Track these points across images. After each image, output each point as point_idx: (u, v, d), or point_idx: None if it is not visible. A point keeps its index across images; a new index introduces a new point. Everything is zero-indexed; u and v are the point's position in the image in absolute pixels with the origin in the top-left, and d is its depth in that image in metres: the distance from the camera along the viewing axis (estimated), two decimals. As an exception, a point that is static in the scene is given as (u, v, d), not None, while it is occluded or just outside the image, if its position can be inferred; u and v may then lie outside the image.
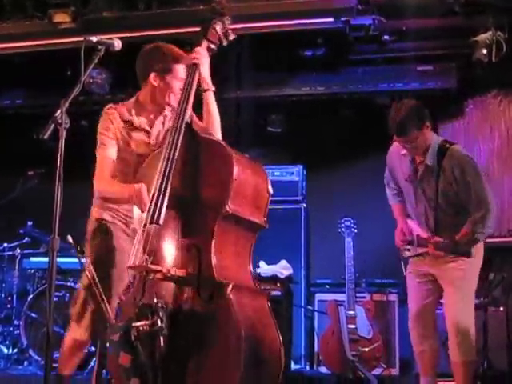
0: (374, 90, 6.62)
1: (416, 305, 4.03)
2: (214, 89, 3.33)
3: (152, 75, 3.34)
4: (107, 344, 2.98)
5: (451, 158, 3.87)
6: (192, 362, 2.83)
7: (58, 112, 2.86)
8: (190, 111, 3.21)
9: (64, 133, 2.83)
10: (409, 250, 4.04)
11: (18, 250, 6.32)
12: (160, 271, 2.90)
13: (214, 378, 2.81)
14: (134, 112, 3.40)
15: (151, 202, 2.97)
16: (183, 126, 3.11)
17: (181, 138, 3.07)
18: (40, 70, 6.37)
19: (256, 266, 5.47)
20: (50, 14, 5.67)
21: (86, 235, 3.49)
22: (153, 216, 2.94)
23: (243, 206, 3.01)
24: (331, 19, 5.58)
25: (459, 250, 3.81)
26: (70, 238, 2.87)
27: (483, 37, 5.55)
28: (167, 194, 2.97)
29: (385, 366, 5.48)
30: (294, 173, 6.57)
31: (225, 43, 3.40)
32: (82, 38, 2.99)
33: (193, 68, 3.26)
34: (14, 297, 6.27)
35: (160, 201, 2.95)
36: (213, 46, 3.37)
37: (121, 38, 3.12)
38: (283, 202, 6.38)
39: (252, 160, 3.16)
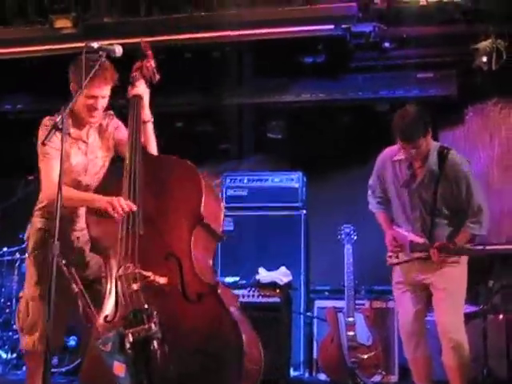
0: (374, 97, 6.61)
1: (406, 313, 4.03)
2: (152, 120, 3.47)
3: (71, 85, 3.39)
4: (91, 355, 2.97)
5: (453, 163, 3.95)
6: (188, 361, 2.87)
7: (59, 117, 2.87)
8: (143, 139, 3.36)
9: (65, 138, 2.84)
10: (397, 256, 4.02)
11: (18, 255, 6.32)
12: (149, 277, 2.98)
13: (214, 374, 2.87)
14: (70, 122, 3.36)
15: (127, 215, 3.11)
16: (140, 149, 3.28)
17: (140, 156, 3.25)
18: (41, 74, 6.36)
19: (255, 272, 5.48)
20: (51, 19, 5.69)
21: (27, 244, 3.49)
22: (133, 225, 3.09)
23: (210, 216, 3.21)
24: (332, 26, 5.60)
25: (461, 250, 3.91)
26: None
27: (483, 44, 5.57)
28: (139, 205, 3.14)
29: (384, 373, 5.46)
30: (293, 179, 6.53)
31: (154, 81, 3.53)
32: (83, 44, 3.01)
33: (136, 99, 3.42)
34: (13, 301, 6.26)
35: (137, 211, 3.11)
36: (147, 84, 3.50)
37: (121, 44, 3.14)
38: (283, 209, 6.37)
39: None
